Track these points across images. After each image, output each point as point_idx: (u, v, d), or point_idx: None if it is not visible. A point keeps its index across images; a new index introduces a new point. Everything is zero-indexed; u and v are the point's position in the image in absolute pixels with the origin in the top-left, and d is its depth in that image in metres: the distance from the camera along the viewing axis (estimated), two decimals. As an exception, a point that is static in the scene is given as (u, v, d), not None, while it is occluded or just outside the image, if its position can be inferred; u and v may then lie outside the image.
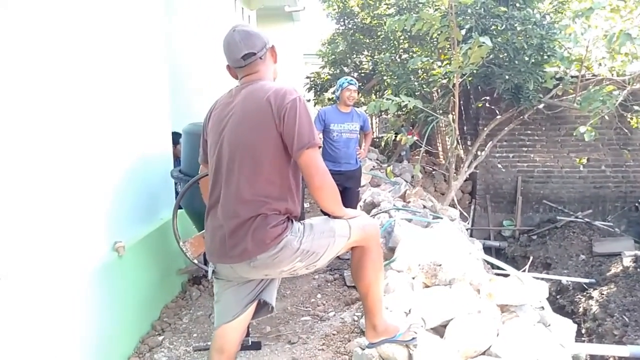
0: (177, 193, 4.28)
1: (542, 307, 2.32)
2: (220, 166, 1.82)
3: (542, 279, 2.59)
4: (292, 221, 1.80)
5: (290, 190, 1.80)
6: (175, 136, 4.35)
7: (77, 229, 2.36)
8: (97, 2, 2.63)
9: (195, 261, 2.79)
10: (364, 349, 2.41)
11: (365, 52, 8.45)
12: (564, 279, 5.40)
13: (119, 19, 2.90)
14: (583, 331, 4.84)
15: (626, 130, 6.67)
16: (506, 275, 2.61)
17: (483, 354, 1.99)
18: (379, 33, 7.90)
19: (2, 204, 1.82)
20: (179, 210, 2.96)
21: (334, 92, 8.16)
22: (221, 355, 1.88)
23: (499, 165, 7.44)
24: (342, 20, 8.44)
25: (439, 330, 2.24)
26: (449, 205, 5.61)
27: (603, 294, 5.03)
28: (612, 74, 6.16)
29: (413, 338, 2.11)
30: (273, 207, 1.74)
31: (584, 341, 4.58)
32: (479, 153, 6.77)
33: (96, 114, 2.54)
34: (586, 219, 6.99)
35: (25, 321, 1.93)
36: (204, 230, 2.72)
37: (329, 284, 3.81)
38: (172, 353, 2.84)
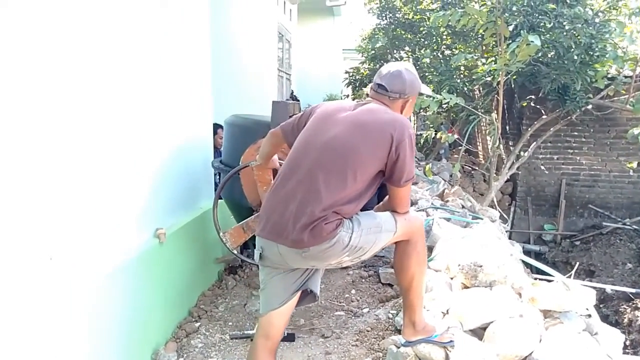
0: (216, 184, 4.36)
1: (589, 315, 2.23)
2: (309, 154, 1.87)
3: (586, 285, 2.49)
4: (342, 217, 1.82)
5: (362, 203, 1.88)
6: (215, 127, 4.42)
7: (120, 214, 2.43)
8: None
9: (235, 251, 2.83)
10: (399, 347, 2.38)
11: (407, 48, 8.33)
12: (609, 288, 5.17)
13: (162, 6, 2.96)
14: (627, 343, 4.63)
15: (682, 134, 6.30)
16: (550, 281, 2.51)
17: (524, 359, 1.93)
18: (421, 28, 7.77)
19: (52, 188, 1.89)
20: (219, 201, 3.02)
21: (373, 88, 8.11)
22: (267, 341, 1.92)
23: (542, 167, 7.19)
24: (383, 15, 8.35)
25: (478, 333, 2.18)
26: (489, 206, 5.47)
27: (651, 306, 4.79)
28: (669, 75, 5.83)
29: (451, 340, 2.07)
30: (342, 213, 1.81)
31: (628, 353, 4.37)
32: (521, 154, 6.56)
33: (139, 102, 2.59)
34: (634, 226, 6.67)
35: (69, 302, 2.01)
36: (244, 221, 2.78)
37: (363, 280, 3.79)
38: (208, 340, 2.90)
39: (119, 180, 2.40)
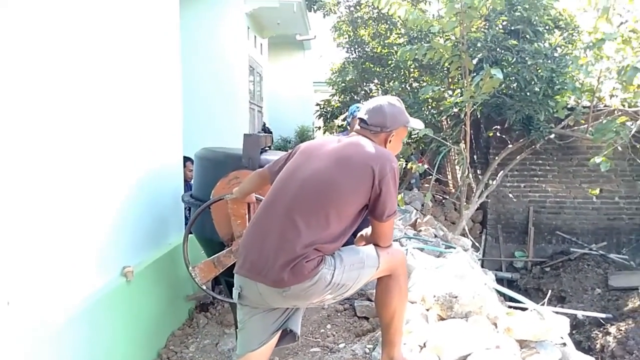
0: (186, 218, 4.26)
1: (564, 344, 2.23)
2: (289, 190, 1.83)
3: (558, 312, 2.51)
4: (325, 254, 1.78)
5: (344, 239, 1.84)
6: (185, 159, 4.36)
7: (81, 252, 2.32)
8: (119, 19, 2.67)
9: (204, 287, 2.73)
10: (377, 384, 2.32)
11: (376, 81, 8.51)
12: (580, 314, 5.24)
13: (136, 35, 2.94)
14: (601, 369, 4.67)
15: (639, 162, 6.59)
16: (524, 309, 2.52)
17: (503, 392, 1.90)
18: (389, 62, 7.98)
19: (8, 228, 1.80)
20: (189, 235, 2.93)
21: (344, 119, 8.22)
22: None
23: (510, 195, 7.36)
24: (352, 49, 8.55)
25: (456, 366, 2.15)
26: (461, 235, 5.52)
27: (621, 330, 4.87)
28: (624, 105, 6.14)
29: (429, 374, 2.03)
30: (323, 250, 1.76)
31: (602, 379, 4.41)
32: (490, 182, 6.72)
33: (105, 128, 2.52)
34: (601, 252, 6.85)
35: (28, 347, 1.88)
36: (214, 256, 2.70)
37: (339, 314, 3.71)
38: (177, 383, 2.76)
39: (80, 214, 2.29)
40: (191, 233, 3.04)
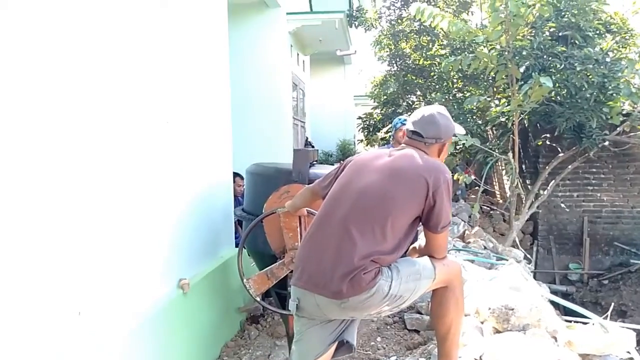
0: (236, 232, 4.39)
1: (631, 359, 2.14)
2: (344, 202, 1.86)
3: (622, 327, 2.40)
4: (382, 265, 1.81)
5: (400, 251, 1.86)
6: (234, 175, 4.49)
7: (143, 266, 2.44)
8: (174, 42, 2.82)
9: (258, 299, 2.80)
10: (432, 397, 2.29)
11: (418, 92, 8.49)
12: (644, 329, 4.95)
13: (190, 57, 3.08)
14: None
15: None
16: (583, 322, 2.43)
17: (567, 408, 1.84)
18: (431, 73, 7.94)
19: (79, 244, 1.92)
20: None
21: (387, 132, 8.22)
22: None
23: (563, 205, 7.10)
24: (393, 62, 8.58)
25: (515, 380, 2.10)
26: (511, 246, 5.37)
27: (691, 347, 4.55)
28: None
29: (486, 387, 2.00)
30: (380, 261, 1.78)
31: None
32: (540, 192, 6.51)
33: (162, 153, 2.65)
34: (663, 263, 6.47)
35: (98, 357, 1.99)
36: (268, 268, 2.77)
37: (388, 327, 3.69)
38: (233, 393, 2.82)
39: (142, 231, 2.42)
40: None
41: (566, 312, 4.32)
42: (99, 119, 2.07)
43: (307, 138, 8.90)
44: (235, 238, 4.23)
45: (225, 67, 3.87)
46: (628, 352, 2.20)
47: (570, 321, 3.13)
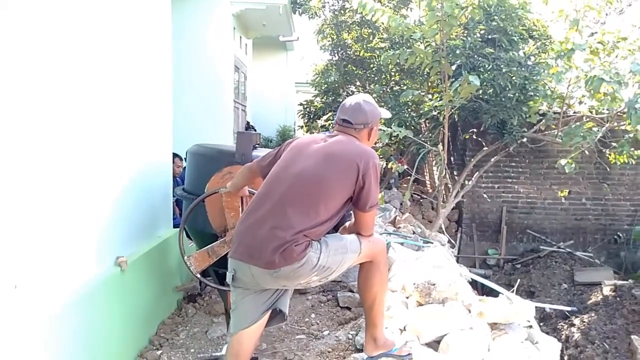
0: (174, 212, 4.38)
1: (531, 326, 2.46)
2: (282, 183, 2.01)
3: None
4: (311, 239, 1.95)
5: (330, 226, 2.02)
6: (173, 156, 4.47)
7: (79, 242, 2.44)
8: (113, 19, 2.78)
9: (198, 275, 2.87)
10: (360, 364, 2.50)
11: (358, 83, 8.73)
12: (547, 307, 5.55)
13: (130, 37, 3.04)
14: (565, 358, 4.97)
15: (605, 166, 6.98)
16: (495, 296, 2.75)
17: (475, 367, 2.11)
18: (371, 65, 8.20)
19: (16, 220, 1.91)
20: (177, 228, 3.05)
21: (327, 120, 8.40)
22: (237, 359, 1.98)
23: (485, 195, 7.67)
24: (335, 51, 8.74)
25: (432, 346, 2.35)
26: (437, 232, 5.77)
27: (584, 322, 5.19)
28: (592, 112, 6.51)
29: (409, 353, 2.23)
30: (310, 235, 1.93)
31: (566, 367, 4.70)
32: (465, 183, 7.00)
33: (101, 127, 2.63)
34: (568, 250, 7.21)
35: (32, 329, 1.99)
36: (209, 246, 2.85)
37: (322, 305, 3.90)
38: (170, 367, 2.89)
39: (79, 208, 2.41)
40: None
41: (483, 291, 4.76)
42: (39, 95, 2.05)
43: (248, 122, 8.89)
44: (173, 219, 4.23)
45: (167, 47, 3.83)
46: (528, 321, 2.53)
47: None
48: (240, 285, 2.02)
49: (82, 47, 2.41)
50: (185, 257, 2.82)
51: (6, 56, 1.83)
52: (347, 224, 2.34)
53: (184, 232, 3.28)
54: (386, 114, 2.38)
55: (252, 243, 1.93)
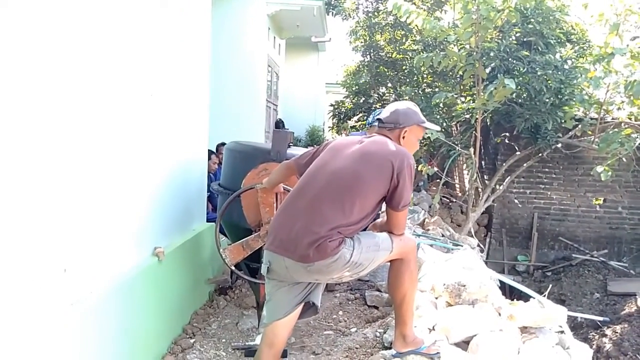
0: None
1: (562, 332, 2.45)
2: (318, 180, 2.07)
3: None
4: (345, 236, 2.01)
5: (363, 224, 2.07)
6: (208, 153, 4.60)
7: (124, 232, 2.55)
8: (155, 19, 2.89)
9: (233, 267, 2.97)
10: (388, 361, 2.54)
11: (389, 84, 8.74)
12: (579, 316, 5.43)
13: (171, 32, 3.14)
14: (596, 369, 4.87)
15: (644, 174, 6.80)
16: (526, 300, 2.74)
17: (504, 369, 2.12)
18: (403, 67, 8.20)
19: (66, 208, 2.01)
20: (212, 222, 3.14)
21: (357, 121, 8.44)
22: (270, 349, 2.06)
23: (516, 201, 7.56)
24: (367, 53, 8.78)
25: (461, 346, 2.37)
26: (467, 236, 5.74)
27: (617, 332, 5.07)
28: (631, 119, 6.34)
29: (437, 352, 2.25)
30: (344, 233, 1.99)
31: (597, 378, 4.61)
32: (496, 187, 6.92)
33: (142, 127, 2.74)
34: (601, 259, 7.03)
35: (79, 312, 2.10)
36: (243, 240, 2.94)
37: (350, 302, 3.95)
38: (203, 355, 2.99)
39: (122, 199, 2.52)
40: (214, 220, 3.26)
41: (512, 297, 4.70)
42: (86, 93, 2.14)
43: (280, 120, 9.00)
44: (206, 214, 4.36)
45: (206, 47, 3.95)
46: (560, 326, 2.51)
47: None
48: (275, 277, 2.08)
49: (128, 46, 2.52)
50: (221, 250, 2.92)
51: (68, 53, 1.95)
52: (377, 221, 2.39)
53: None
54: (433, 126, 2.41)
55: (287, 237, 2.00)
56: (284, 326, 2.09)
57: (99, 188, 2.28)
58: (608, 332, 5.18)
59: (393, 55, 8.35)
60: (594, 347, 5.08)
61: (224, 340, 3.21)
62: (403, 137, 2.23)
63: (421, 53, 6.09)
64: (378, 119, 2.26)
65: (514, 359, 2.14)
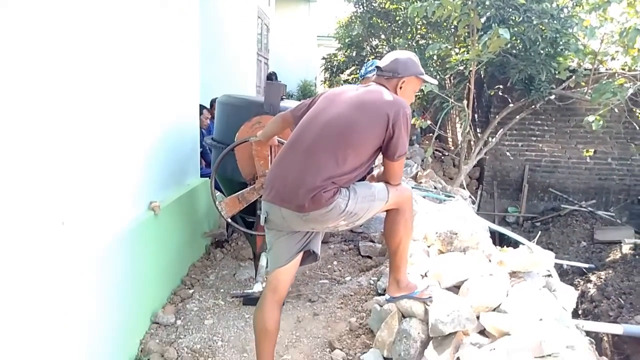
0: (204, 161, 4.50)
1: (550, 275, 2.54)
2: (312, 130, 2.06)
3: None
4: (340, 186, 2.02)
5: (359, 174, 2.08)
6: (200, 108, 4.55)
7: (120, 186, 2.56)
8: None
9: (229, 220, 3.01)
10: (382, 306, 2.64)
11: (382, 36, 8.56)
12: (565, 263, 5.63)
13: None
14: (580, 312, 5.08)
15: (635, 125, 6.82)
16: (515, 247, 2.82)
17: (493, 310, 2.21)
18: (397, 18, 8.01)
19: (63, 165, 2.02)
20: (206, 177, 3.15)
21: (350, 74, 8.32)
22: (275, 294, 2.13)
23: (508, 153, 7.62)
24: (359, 3, 8.54)
25: (452, 291, 2.45)
26: (459, 188, 5.81)
27: (601, 278, 5.26)
28: (624, 69, 6.30)
29: (430, 296, 2.34)
30: (339, 183, 2.00)
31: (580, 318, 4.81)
32: (489, 140, 6.95)
33: (135, 87, 2.71)
34: (589, 209, 7.19)
35: (79, 264, 2.14)
36: (239, 192, 2.97)
37: (344, 253, 4.05)
38: (202, 304, 3.09)
39: (117, 155, 2.52)
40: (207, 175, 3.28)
41: (502, 246, 4.82)
42: (88, 54, 2.12)
43: (273, 73, 8.83)
44: (200, 169, 4.37)
45: (194, 1, 3.82)
46: (548, 270, 2.61)
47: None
48: (273, 227, 2.12)
49: (118, 10, 2.45)
50: (217, 203, 2.95)
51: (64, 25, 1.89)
52: (374, 172, 2.41)
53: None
54: (430, 79, 2.37)
55: (283, 187, 2.02)
56: (286, 273, 2.14)
57: (95, 142, 2.27)
58: (593, 278, 5.38)
59: (386, 6, 8.13)
60: (579, 292, 5.29)
61: (222, 290, 3.30)
62: (400, 88, 2.20)
63: (415, 3, 5.93)
64: (377, 67, 2.22)
65: (503, 301, 2.23)
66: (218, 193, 3.68)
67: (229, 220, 3.01)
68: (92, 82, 2.22)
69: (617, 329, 3.76)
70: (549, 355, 1.83)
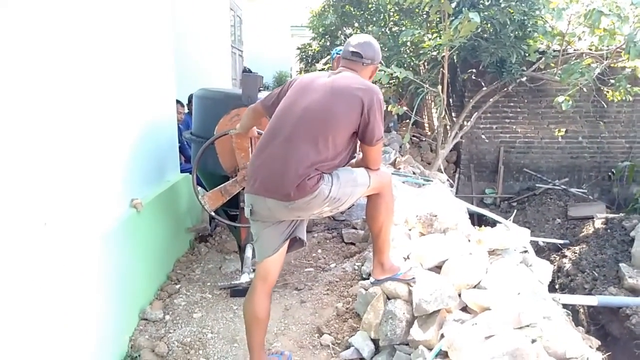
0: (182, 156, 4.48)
1: (526, 251, 2.64)
2: (290, 119, 2.08)
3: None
4: (322, 172, 2.06)
5: (341, 160, 2.12)
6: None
7: (100, 187, 2.55)
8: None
9: (213, 213, 3.02)
10: (367, 290, 2.71)
11: (355, 25, 8.58)
12: (541, 240, 5.81)
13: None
14: (557, 286, 5.27)
15: (603, 103, 7.04)
16: (492, 226, 2.92)
17: (474, 287, 2.30)
18: (369, 5, 8.04)
19: (46, 167, 2.02)
20: (186, 172, 3.15)
21: (326, 63, 8.33)
22: (264, 283, 2.17)
23: (483, 136, 7.77)
24: (332, -9, 8.53)
25: (434, 271, 2.53)
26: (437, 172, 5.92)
27: (575, 253, 5.45)
28: (591, 49, 6.48)
29: (413, 277, 2.42)
30: (322, 169, 2.03)
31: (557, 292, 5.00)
32: (464, 124, 7.07)
33: (111, 91, 2.69)
34: (563, 187, 7.41)
35: (65, 265, 2.13)
36: (222, 185, 2.98)
37: (328, 241, 4.11)
38: (189, 299, 3.11)
39: (98, 155, 2.51)
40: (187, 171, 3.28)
41: (480, 225, 4.96)
42: (65, 55, 2.10)
43: (247, 69, 8.77)
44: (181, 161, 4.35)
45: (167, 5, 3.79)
46: (524, 247, 2.71)
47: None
48: (258, 218, 2.15)
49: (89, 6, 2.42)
50: (200, 196, 2.96)
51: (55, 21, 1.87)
52: (354, 160, 2.46)
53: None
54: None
55: (267, 178, 2.04)
56: (275, 262, 2.18)
57: (75, 143, 2.26)
58: (568, 253, 5.57)
59: (359, -6, 8.15)
60: (555, 267, 5.48)
61: (208, 283, 3.32)
62: (373, 73, 2.26)
63: (387, -10, 5.97)
64: (353, 52, 2.21)
65: (482, 277, 2.32)
66: (200, 188, 3.68)
67: (213, 213, 3.02)
68: (72, 82, 2.21)
69: (592, 300, 3.92)
70: (527, 325, 1.92)
